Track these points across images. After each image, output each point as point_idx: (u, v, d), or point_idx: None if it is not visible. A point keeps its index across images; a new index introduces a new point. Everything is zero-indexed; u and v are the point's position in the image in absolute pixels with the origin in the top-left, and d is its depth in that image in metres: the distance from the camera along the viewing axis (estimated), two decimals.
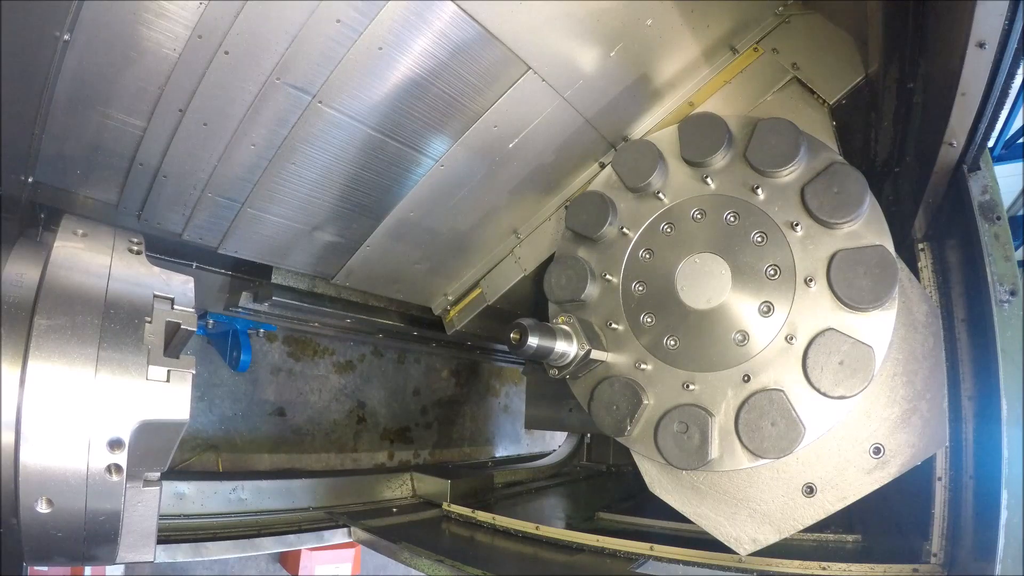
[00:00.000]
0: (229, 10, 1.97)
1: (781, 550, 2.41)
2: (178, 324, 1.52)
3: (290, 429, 4.87)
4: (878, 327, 2.14)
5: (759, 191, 2.36)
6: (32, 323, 1.33)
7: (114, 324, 1.42)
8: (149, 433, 1.42)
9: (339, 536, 3.21)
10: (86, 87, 2.07)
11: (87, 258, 1.56)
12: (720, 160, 2.47)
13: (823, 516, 2.28)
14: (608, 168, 2.76)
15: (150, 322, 1.48)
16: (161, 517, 1.64)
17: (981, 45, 1.68)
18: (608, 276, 2.64)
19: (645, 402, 2.41)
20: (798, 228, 2.27)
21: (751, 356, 2.29)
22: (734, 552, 2.40)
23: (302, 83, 2.23)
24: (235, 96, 2.22)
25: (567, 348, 2.45)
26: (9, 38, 1.84)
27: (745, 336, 2.31)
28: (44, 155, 2.26)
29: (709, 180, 2.48)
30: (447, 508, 3.56)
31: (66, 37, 1.90)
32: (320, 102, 2.31)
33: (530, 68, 2.43)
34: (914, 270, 2.46)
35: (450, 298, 3.65)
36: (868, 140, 2.84)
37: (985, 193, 2.18)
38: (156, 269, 1.66)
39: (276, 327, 4.55)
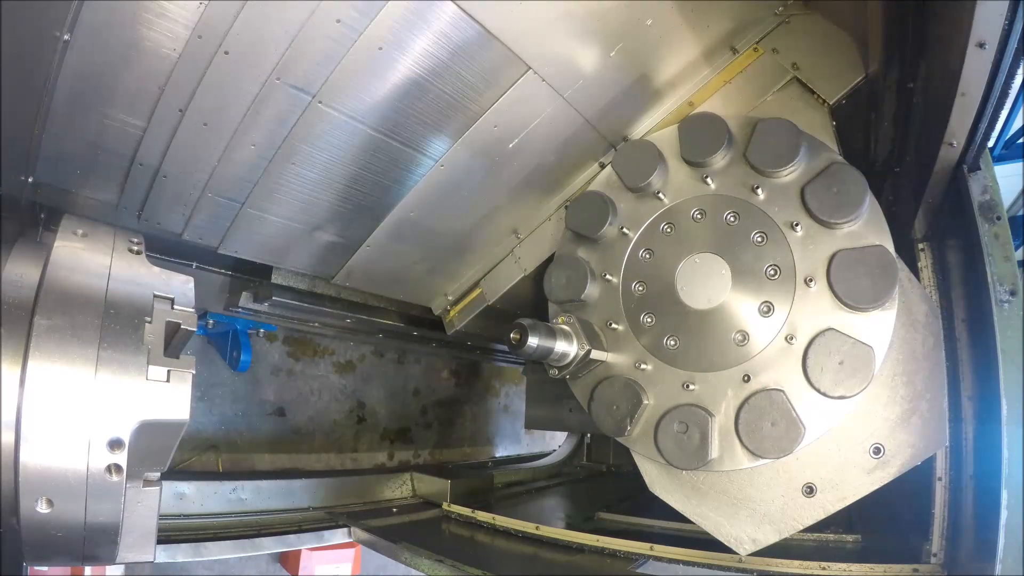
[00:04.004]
0: (229, 10, 1.97)
1: (781, 550, 2.41)
2: (178, 324, 1.52)
3: (290, 429, 4.86)
4: (878, 327, 2.14)
5: (759, 191, 2.36)
6: (32, 323, 1.33)
7: (114, 324, 1.42)
8: (149, 433, 1.42)
9: (339, 536, 3.21)
10: (86, 87, 2.07)
11: (87, 258, 1.56)
12: (720, 160, 2.47)
13: (823, 516, 2.28)
14: (608, 168, 2.76)
15: (150, 322, 1.48)
16: (161, 517, 1.64)
17: (981, 45, 1.67)
18: (608, 276, 2.64)
19: (645, 402, 2.41)
20: (798, 228, 2.27)
21: (751, 356, 2.29)
22: (734, 552, 2.40)
23: (302, 83, 2.23)
24: (235, 96, 2.22)
25: (567, 348, 2.45)
26: (9, 38, 1.84)
27: (745, 336, 2.31)
28: (44, 155, 2.25)
29: (709, 180, 2.48)
30: (447, 508, 3.56)
31: (66, 37, 1.90)
32: (320, 102, 2.31)
33: (530, 68, 2.43)
34: (914, 270, 2.46)
35: (450, 298, 3.65)
36: (868, 140, 2.84)
37: (985, 193, 2.18)
38: (156, 269, 1.66)
39: (276, 327, 4.55)
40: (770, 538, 2.34)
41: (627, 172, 2.63)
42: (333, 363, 5.23)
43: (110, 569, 2.28)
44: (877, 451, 2.25)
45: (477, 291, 3.51)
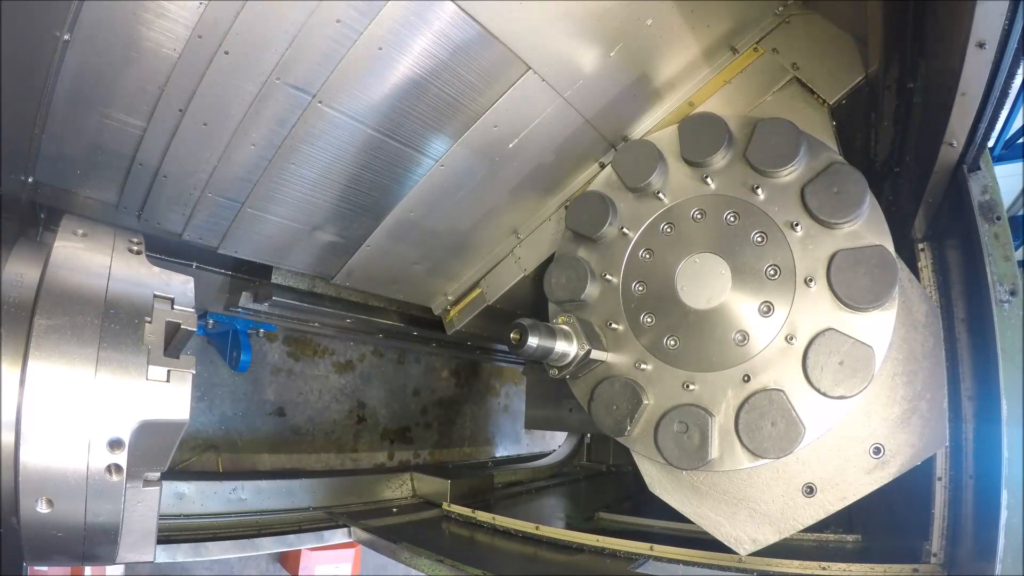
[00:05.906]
0: (229, 10, 1.97)
1: (781, 550, 2.41)
2: (178, 324, 1.52)
3: (290, 429, 4.87)
4: (878, 327, 2.14)
5: (759, 191, 2.36)
6: (32, 323, 1.33)
7: (114, 324, 1.42)
8: (149, 433, 1.42)
9: (339, 536, 3.21)
10: (86, 87, 2.07)
11: (87, 258, 1.56)
12: (720, 160, 2.47)
13: (823, 516, 2.28)
14: (608, 168, 2.76)
15: (150, 322, 1.48)
16: (161, 517, 1.64)
17: (981, 45, 1.67)
18: (608, 276, 2.64)
19: (645, 402, 2.41)
20: (798, 228, 2.27)
21: (751, 356, 2.29)
22: (734, 552, 2.40)
23: (302, 83, 2.23)
24: (235, 96, 2.22)
25: (567, 348, 2.45)
26: (9, 38, 1.84)
27: (745, 336, 2.31)
28: (44, 155, 2.25)
29: (709, 180, 2.48)
30: (447, 508, 3.56)
31: (66, 37, 1.90)
32: (320, 102, 2.31)
33: (530, 68, 2.43)
34: (914, 270, 2.46)
35: (450, 298, 3.65)
36: (868, 140, 2.84)
37: (985, 193, 2.18)
38: (156, 269, 1.66)
39: (276, 327, 4.55)
40: (770, 538, 2.34)
41: (627, 172, 2.63)
42: (333, 363, 5.24)
43: (110, 569, 2.28)
44: (877, 451, 2.25)
45: (477, 291, 3.51)
